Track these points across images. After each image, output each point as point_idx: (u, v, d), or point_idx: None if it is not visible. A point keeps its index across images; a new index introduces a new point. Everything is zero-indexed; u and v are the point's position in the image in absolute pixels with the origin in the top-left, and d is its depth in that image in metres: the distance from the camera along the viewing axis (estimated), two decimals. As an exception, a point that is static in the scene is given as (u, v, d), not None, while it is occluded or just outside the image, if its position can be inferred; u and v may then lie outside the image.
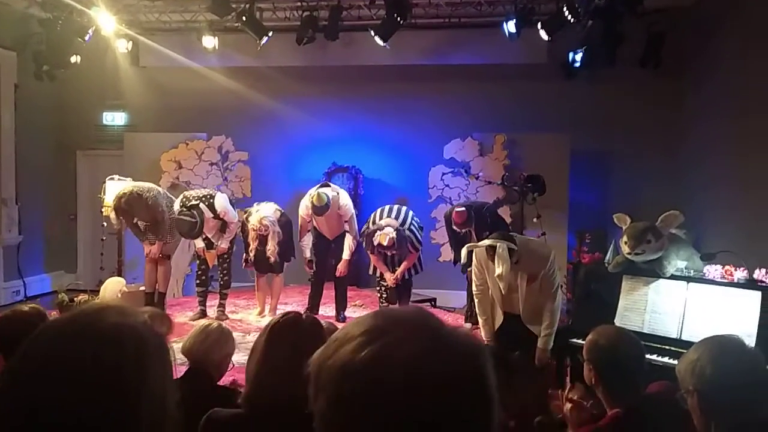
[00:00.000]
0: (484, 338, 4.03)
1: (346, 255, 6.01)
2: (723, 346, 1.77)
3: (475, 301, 4.10)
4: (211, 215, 5.92)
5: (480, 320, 4.08)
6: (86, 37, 6.97)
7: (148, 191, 6.00)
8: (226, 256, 6.21)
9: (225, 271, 6.27)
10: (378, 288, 6.14)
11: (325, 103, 7.85)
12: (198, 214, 5.79)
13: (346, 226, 6.04)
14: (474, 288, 4.11)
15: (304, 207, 5.97)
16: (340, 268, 6.04)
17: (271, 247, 5.91)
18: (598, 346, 2.24)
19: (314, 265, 6.17)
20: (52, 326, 0.88)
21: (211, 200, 5.89)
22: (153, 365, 0.87)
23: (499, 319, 3.97)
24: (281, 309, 6.46)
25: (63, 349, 0.82)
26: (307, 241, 6.21)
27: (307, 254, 6.18)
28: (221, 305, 6.28)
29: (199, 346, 2.55)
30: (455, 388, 0.71)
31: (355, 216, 6.15)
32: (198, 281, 6.32)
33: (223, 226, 6.08)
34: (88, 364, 0.80)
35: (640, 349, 2.27)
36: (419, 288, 6.73)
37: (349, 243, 6.02)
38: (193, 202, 5.83)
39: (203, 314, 6.21)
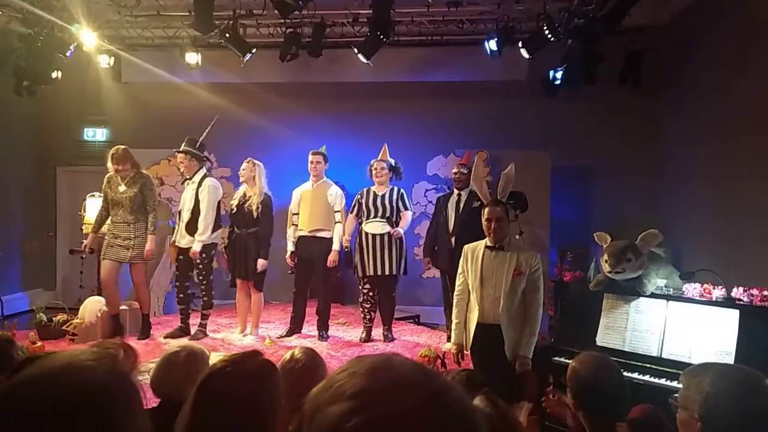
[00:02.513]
0: (451, 342, 3.99)
1: (335, 245, 5.95)
2: (742, 383, 1.66)
3: (454, 302, 4.00)
4: (195, 187, 5.95)
5: (453, 323, 4.00)
6: (67, 53, 6.93)
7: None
8: (202, 277, 6.06)
9: (204, 292, 6.15)
10: (360, 300, 6.04)
11: (308, 120, 7.87)
12: (200, 158, 6.05)
13: (337, 216, 6.02)
14: (456, 290, 4.01)
15: (296, 194, 6.23)
16: (331, 257, 5.93)
17: (256, 197, 5.89)
18: (578, 374, 2.25)
19: (295, 258, 6.07)
20: (22, 383, 0.87)
21: (207, 176, 6.06)
22: (122, 416, 0.88)
23: (473, 325, 3.82)
24: (264, 327, 6.42)
25: (31, 417, 0.82)
26: (292, 234, 6.16)
27: (290, 247, 6.12)
28: (201, 325, 6.19)
29: (166, 380, 2.32)
30: None
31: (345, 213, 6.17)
32: (176, 299, 6.26)
33: (198, 215, 5.93)
34: (62, 423, 0.81)
35: (620, 377, 2.28)
36: (402, 305, 6.73)
37: (339, 232, 5.98)
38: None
39: (183, 332, 6.13)
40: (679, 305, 3.79)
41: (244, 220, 5.92)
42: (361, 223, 6.02)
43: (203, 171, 6.08)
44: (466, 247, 3.97)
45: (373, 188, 6.03)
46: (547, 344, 4.25)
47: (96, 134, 8.37)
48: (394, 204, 5.94)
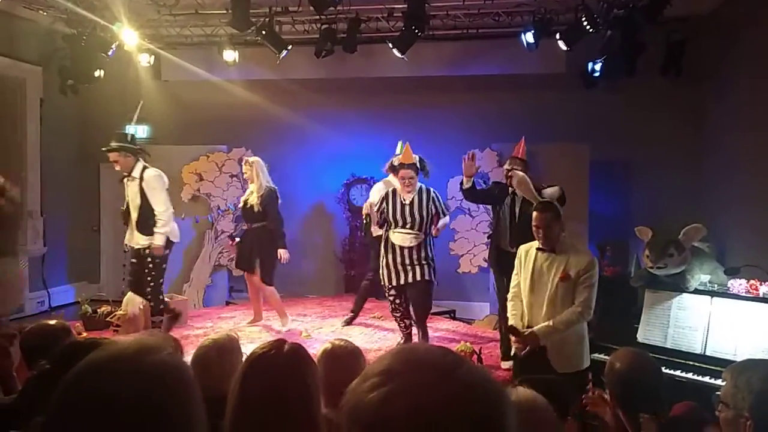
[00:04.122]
0: (512, 322, 3.68)
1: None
2: None
3: (508, 302, 3.80)
4: (138, 182, 5.42)
5: (509, 315, 3.78)
6: (109, 52, 7.10)
7: None
8: (150, 279, 5.50)
9: (150, 296, 5.57)
10: (390, 309, 5.56)
11: (343, 115, 7.90)
12: (135, 151, 5.47)
13: None
14: (510, 290, 3.83)
15: (376, 194, 5.90)
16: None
17: (255, 193, 5.92)
18: (615, 370, 2.21)
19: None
20: (96, 367, 0.90)
21: (147, 168, 5.52)
22: (194, 400, 0.90)
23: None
24: (300, 321, 6.50)
25: (112, 392, 0.85)
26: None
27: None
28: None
29: (202, 379, 2.35)
30: None
31: None
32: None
33: (148, 211, 5.46)
34: (138, 405, 0.84)
35: (658, 373, 2.24)
36: (438, 299, 6.70)
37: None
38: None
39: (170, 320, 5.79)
40: (724, 301, 3.69)
41: (249, 215, 6.05)
42: (387, 230, 5.38)
43: (141, 164, 5.55)
44: (521, 247, 3.80)
45: (398, 192, 5.33)
46: (586, 340, 4.18)
47: (137, 131, 8.54)
48: (425, 212, 5.22)
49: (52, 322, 2.81)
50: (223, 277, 7.71)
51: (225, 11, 6.66)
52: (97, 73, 7.32)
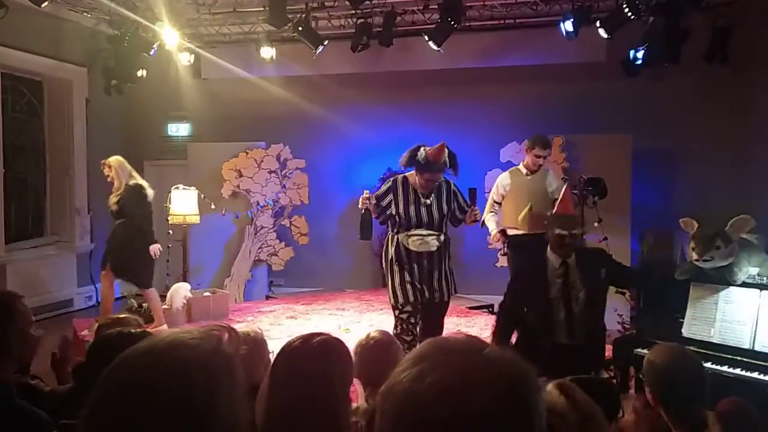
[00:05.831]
0: None
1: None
2: None
3: None
4: None
5: None
6: (151, 52, 7.26)
7: None
8: None
9: None
10: (398, 331, 4.22)
11: (380, 109, 7.90)
12: None
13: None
14: None
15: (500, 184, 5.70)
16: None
17: (115, 192, 5.86)
18: (654, 366, 2.16)
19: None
20: (128, 360, 0.93)
21: None
22: (221, 393, 0.91)
23: None
24: (338, 315, 6.54)
25: (138, 383, 0.88)
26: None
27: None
28: None
29: None
30: (488, 414, 0.76)
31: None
32: None
33: None
34: (159, 398, 0.86)
35: (698, 368, 2.17)
36: (477, 294, 6.67)
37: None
38: None
39: None
40: (774, 295, 3.57)
41: (114, 214, 6.07)
42: (395, 232, 4.39)
43: None
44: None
45: (411, 183, 4.39)
46: (629, 335, 4.11)
47: (179, 129, 8.74)
48: (445, 209, 4.38)
49: (124, 315, 2.88)
50: (263, 272, 7.83)
51: (262, 8, 6.75)
52: (139, 73, 7.48)
